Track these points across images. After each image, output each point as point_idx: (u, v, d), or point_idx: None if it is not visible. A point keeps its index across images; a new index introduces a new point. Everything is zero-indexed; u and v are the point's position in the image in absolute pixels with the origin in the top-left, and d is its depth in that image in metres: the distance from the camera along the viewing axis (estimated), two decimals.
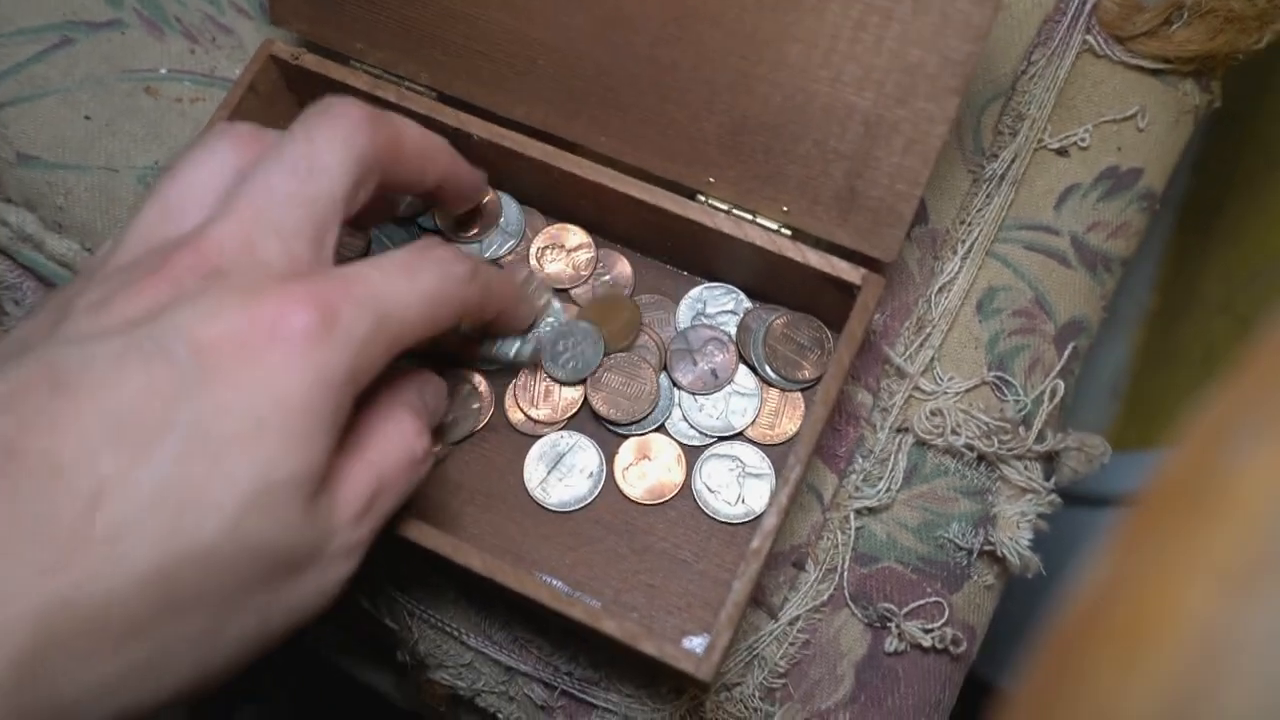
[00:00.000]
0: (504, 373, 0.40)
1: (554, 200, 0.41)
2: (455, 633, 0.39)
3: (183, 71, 0.44)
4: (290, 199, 0.28)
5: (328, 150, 0.29)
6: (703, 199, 0.37)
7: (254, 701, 0.81)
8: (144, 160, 0.43)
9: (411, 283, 0.29)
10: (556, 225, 0.42)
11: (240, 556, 0.25)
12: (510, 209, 0.41)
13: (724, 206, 0.37)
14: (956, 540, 0.38)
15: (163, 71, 0.44)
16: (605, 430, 0.39)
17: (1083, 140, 0.41)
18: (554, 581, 0.37)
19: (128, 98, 0.43)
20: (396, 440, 0.29)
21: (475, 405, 0.40)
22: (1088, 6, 0.41)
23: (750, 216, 0.37)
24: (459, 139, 0.39)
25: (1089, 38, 0.42)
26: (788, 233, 0.37)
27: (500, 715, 0.39)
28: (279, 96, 0.41)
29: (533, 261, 0.41)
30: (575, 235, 0.41)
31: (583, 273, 0.41)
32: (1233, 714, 0.12)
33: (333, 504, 0.27)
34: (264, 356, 0.25)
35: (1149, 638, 0.13)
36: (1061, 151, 0.41)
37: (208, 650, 0.25)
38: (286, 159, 0.28)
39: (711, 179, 0.37)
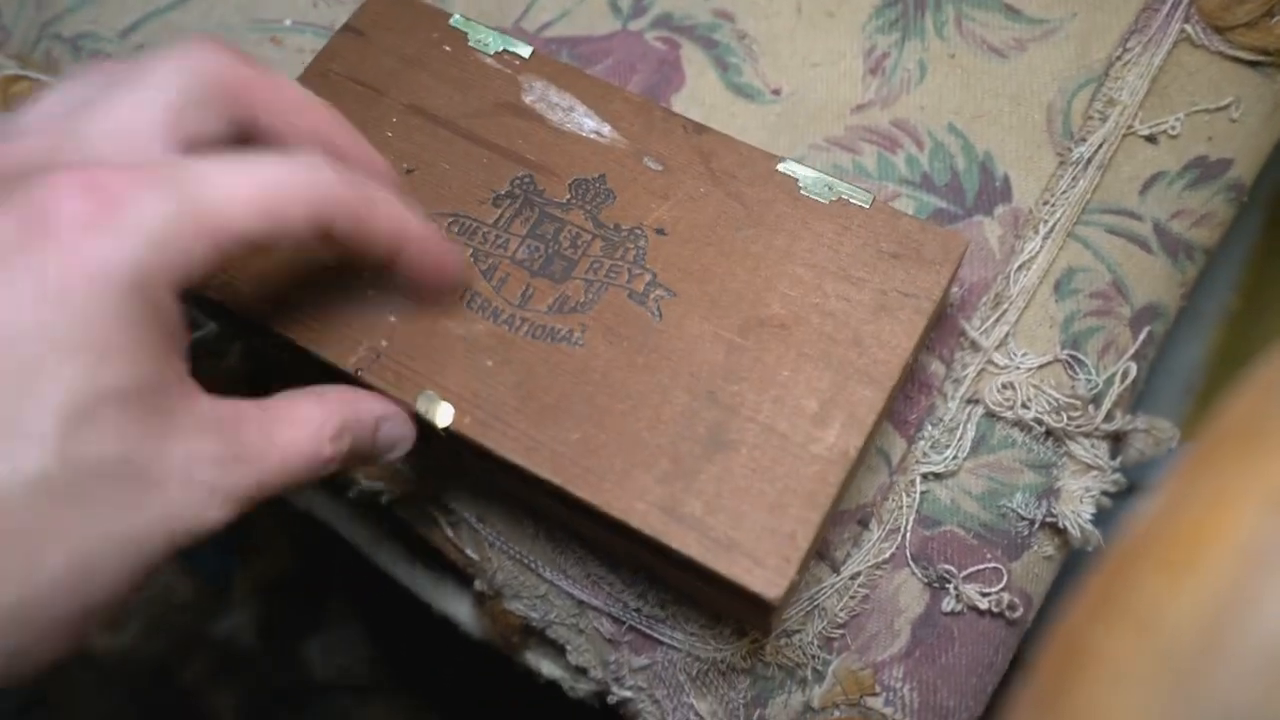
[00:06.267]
0: None
1: None
2: (532, 565, 0.41)
3: (306, 24, 0.47)
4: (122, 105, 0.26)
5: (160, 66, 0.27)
6: None
7: (324, 631, 0.85)
8: None
9: (244, 167, 0.24)
10: None
11: (76, 477, 0.22)
12: None
13: None
14: (1019, 510, 0.39)
15: (288, 23, 0.47)
16: None
17: (1173, 129, 0.42)
18: None
19: (255, 47, 0.46)
20: (306, 429, 0.26)
21: None
22: None
23: None
24: None
25: (1187, 26, 0.42)
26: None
27: (569, 647, 0.42)
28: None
29: None
30: None
31: None
32: (1275, 621, 0.14)
33: (191, 426, 0.24)
34: (37, 259, 0.22)
35: (1198, 549, 0.14)
36: (1151, 139, 0.42)
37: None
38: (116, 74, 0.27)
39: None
